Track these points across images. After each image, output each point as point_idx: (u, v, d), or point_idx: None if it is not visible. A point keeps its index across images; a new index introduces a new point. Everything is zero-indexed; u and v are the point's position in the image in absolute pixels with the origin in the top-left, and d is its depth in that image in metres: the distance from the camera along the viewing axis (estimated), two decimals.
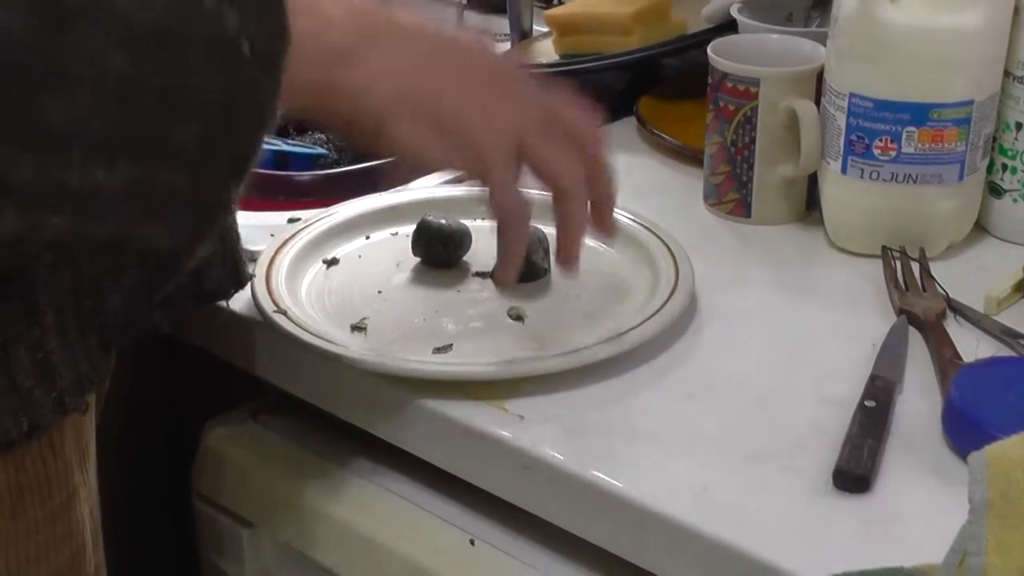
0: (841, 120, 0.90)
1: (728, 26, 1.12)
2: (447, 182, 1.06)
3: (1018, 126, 0.92)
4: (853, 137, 0.90)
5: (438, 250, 0.90)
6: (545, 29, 1.31)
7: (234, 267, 0.82)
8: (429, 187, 1.03)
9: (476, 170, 0.73)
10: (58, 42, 0.52)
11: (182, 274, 0.69)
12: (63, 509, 0.72)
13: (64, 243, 0.61)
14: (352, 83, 0.67)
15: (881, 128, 0.89)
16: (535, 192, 0.75)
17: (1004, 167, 0.94)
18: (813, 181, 0.97)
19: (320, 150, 1.34)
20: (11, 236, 0.56)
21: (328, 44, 0.66)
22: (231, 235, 0.81)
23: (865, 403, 0.74)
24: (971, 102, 0.88)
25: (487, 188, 0.73)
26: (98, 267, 0.69)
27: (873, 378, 0.77)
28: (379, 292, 0.88)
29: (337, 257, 0.92)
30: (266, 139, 0.61)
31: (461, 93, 0.71)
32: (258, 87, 0.58)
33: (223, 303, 0.85)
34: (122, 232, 0.60)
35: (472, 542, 0.78)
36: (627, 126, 1.17)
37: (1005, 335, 0.82)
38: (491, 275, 0.86)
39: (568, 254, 0.79)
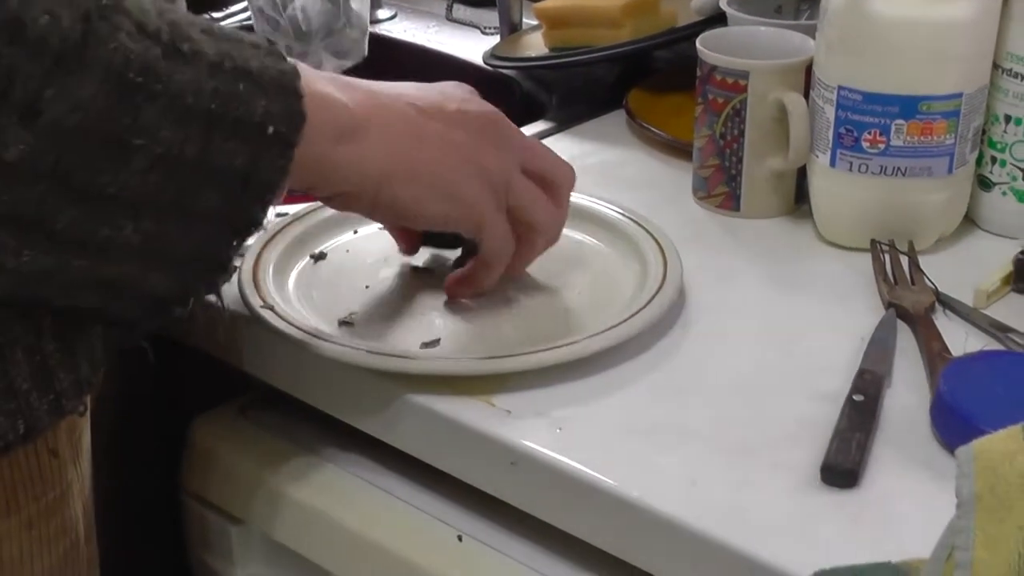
0: (830, 113, 0.90)
1: (718, 19, 1.11)
2: None
3: (1007, 119, 0.92)
4: (842, 130, 0.90)
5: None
6: (535, 22, 1.31)
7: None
8: None
9: (471, 222, 0.79)
10: (122, 111, 0.58)
11: (169, 318, 0.72)
12: (57, 505, 0.72)
13: (78, 280, 0.65)
14: (352, 155, 0.72)
15: (870, 121, 0.89)
16: None
17: (993, 160, 0.94)
18: (802, 174, 0.96)
19: None
20: (39, 274, 0.62)
21: (330, 122, 0.71)
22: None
23: (853, 397, 0.74)
24: (960, 95, 0.88)
25: (479, 236, 0.79)
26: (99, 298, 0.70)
27: (862, 372, 0.77)
28: (367, 287, 0.87)
29: (325, 251, 0.91)
30: (270, 208, 0.68)
31: (451, 152, 0.77)
32: (274, 164, 0.65)
33: (212, 297, 0.84)
34: (131, 276, 0.66)
35: (460, 538, 0.78)
36: (616, 119, 1.16)
37: (994, 328, 0.82)
38: (447, 275, 0.86)
39: (513, 274, 0.84)
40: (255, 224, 0.68)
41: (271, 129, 0.64)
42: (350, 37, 1.27)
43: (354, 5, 1.27)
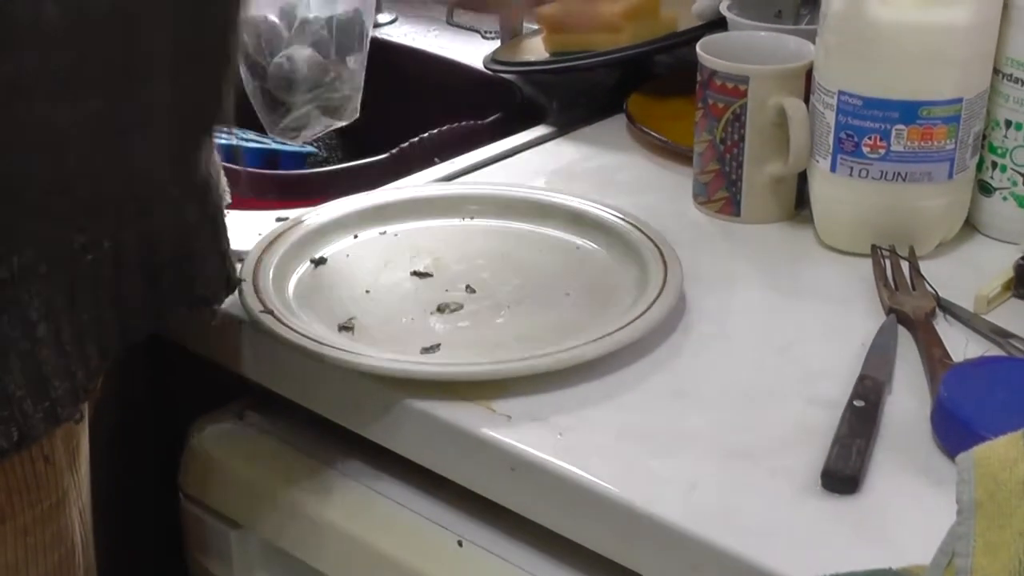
0: (830, 118, 0.90)
1: (718, 23, 1.11)
2: (436, 181, 1.06)
3: (1007, 124, 0.92)
4: (842, 135, 0.90)
5: None
6: (535, 27, 1.31)
7: (225, 272, 0.82)
8: (417, 187, 1.02)
9: None
10: None
11: (176, 190, 0.71)
12: (53, 511, 0.72)
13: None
14: None
15: (870, 126, 0.88)
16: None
17: (994, 165, 0.93)
18: (802, 179, 0.96)
19: (310, 148, 1.34)
20: None
21: None
22: (222, 241, 0.81)
23: (854, 403, 0.74)
24: (960, 100, 0.88)
25: None
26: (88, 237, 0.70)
27: (862, 378, 0.76)
28: (367, 292, 0.87)
29: (325, 256, 0.91)
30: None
31: None
32: None
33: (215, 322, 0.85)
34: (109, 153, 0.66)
35: (460, 543, 0.78)
36: (617, 123, 1.16)
37: (995, 334, 0.82)
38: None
39: None
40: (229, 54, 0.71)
41: None
42: (341, 93, 1.22)
43: (350, 63, 1.22)
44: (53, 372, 0.68)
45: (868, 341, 0.81)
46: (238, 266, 0.85)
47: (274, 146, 1.32)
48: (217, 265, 0.80)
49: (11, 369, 0.66)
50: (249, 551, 0.89)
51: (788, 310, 0.86)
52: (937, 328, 0.82)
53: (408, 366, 0.77)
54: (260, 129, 1.33)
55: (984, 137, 0.93)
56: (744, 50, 0.98)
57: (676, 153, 1.07)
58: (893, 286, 0.87)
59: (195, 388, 0.96)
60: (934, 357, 0.78)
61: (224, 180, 0.84)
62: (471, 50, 1.38)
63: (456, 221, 0.96)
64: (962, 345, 0.80)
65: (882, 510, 0.67)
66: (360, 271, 0.90)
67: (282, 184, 1.10)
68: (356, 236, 0.94)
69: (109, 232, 0.71)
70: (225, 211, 0.82)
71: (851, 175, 0.90)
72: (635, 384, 0.78)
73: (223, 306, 0.85)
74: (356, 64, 1.23)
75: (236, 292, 0.84)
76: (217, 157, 0.82)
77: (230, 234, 0.82)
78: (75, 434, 0.74)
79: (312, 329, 0.81)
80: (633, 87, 1.20)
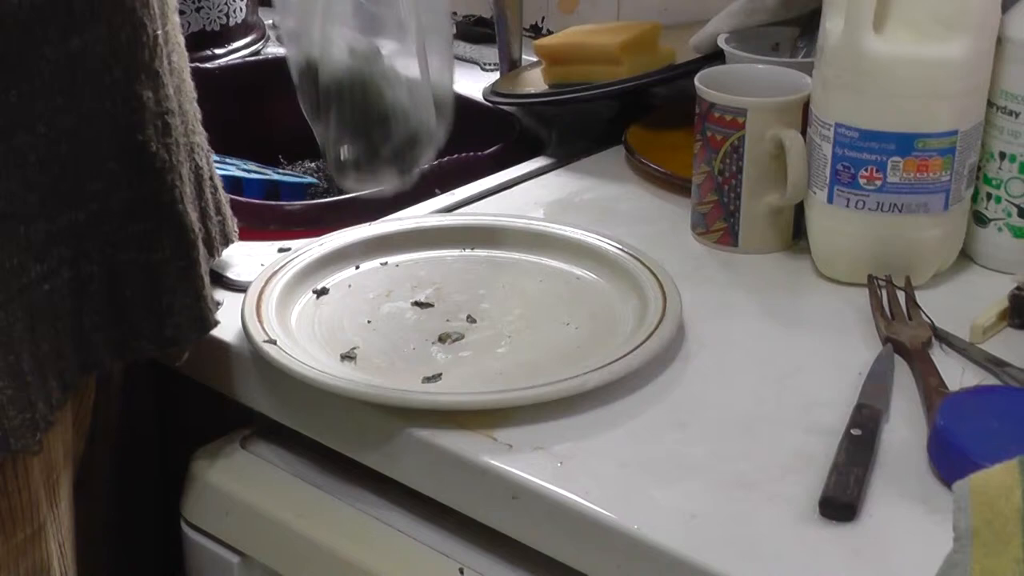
0: (827, 150, 0.91)
1: (715, 56, 1.12)
2: (436, 212, 1.06)
3: (1002, 155, 0.93)
4: (839, 167, 0.91)
5: None
6: (534, 59, 1.32)
7: (198, 313, 0.82)
8: (418, 218, 1.03)
9: None
10: None
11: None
12: (29, 544, 0.72)
13: None
14: None
15: (867, 158, 0.89)
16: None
17: (988, 196, 0.94)
18: (800, 210, 0.97)
19: (310, 179, 1.35)
20: None
21: None
22: (197, 281, 0.81)
23: (851, 431, 0.74)
24: (956, 132, 0.89)
25: None
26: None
27: (859, 406, 0.77)
28: (368, 322, 0.88)
29: (327, 287, 0.92)
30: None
31: None
32: None
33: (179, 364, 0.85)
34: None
35: (461, 571, 0.78)
36: (616, 155, 1.17)
37: (990, 363, 0.83)
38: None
39: None
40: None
41: None
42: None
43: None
44: (8, 402, 0.68)
45: (865, 370, 0.82)
46: (222, 300, 0.85)
47: (275, 177, 1.33)
48: (189, 305, 0.80)
49: None
50: None
51: (786, 340, 0.87)
52: (933, 357, 0.83)
53: (410, 395, 0.78)
54: (261, 160, 1.34)
55: (979, 169, 0.94)
56: (742, 83, 0.99)
57: (675, 184, 1.08)
58: (890, 316, 0.88)
59: (198, 417, 0.96)
60: (930, 386, 0.79)
61: (231, 220, 0.84)
62: (471, 82, 1.39)
63: (457, 252, 0.97)
64: (958, 374, 0.81)
65: (880, 537, 0.68)
66: (362, 301, 0.91)
67: (284, 215, 1.10)
68: (358, 267, 0.95)
69: (67, 262, 0.71)
70: (206, 253, 0.82)
71: (848, 206, 0.91)
72: (635, 413, 0.79)
73: (227, 337, 0.86)
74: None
75: (240, 323, 0.84)
76: (218, 196, 0.83)
77: (231, 261, 0.82)
78: (55, 466, 0.73)
79: (314, 359, 0.82)
80: (632, 119, 1.21)
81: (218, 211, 0.87)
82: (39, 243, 0.69)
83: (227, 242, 0.89)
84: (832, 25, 0.90)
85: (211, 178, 0.86)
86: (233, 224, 0.89)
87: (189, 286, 0.80)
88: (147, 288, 0.77)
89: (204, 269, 0.81)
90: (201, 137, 0.84)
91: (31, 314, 0.69)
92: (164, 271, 0.78)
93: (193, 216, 0.80)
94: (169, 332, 0.80)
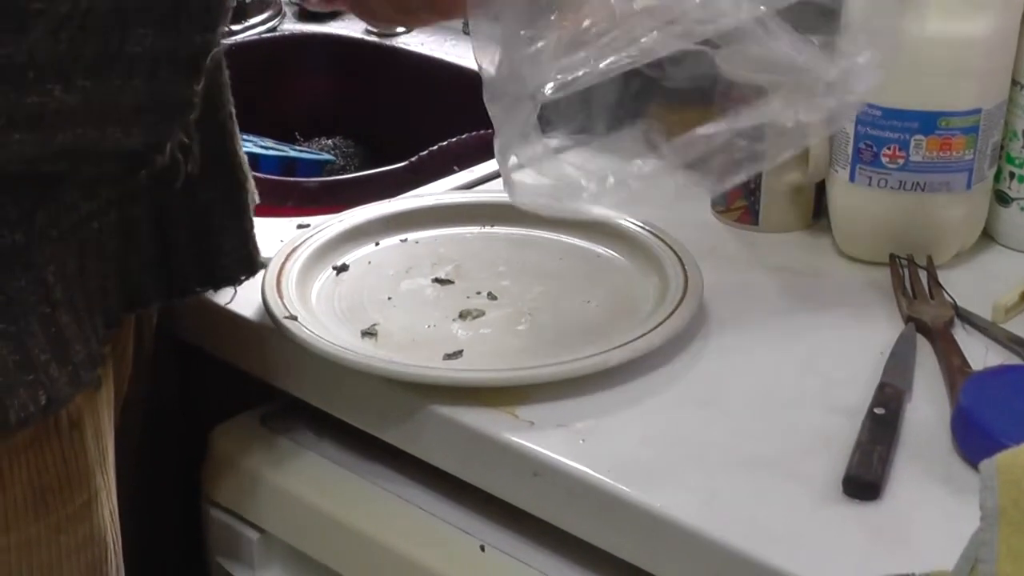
0: (849, 128, 0.91)
1: None
2: (456, 189, 1.06)
3: None
4: (861, 145, 0.90)
5: None
6: None
7: (246, 252, 0.82)
8: (438, 195, 1.03)
9: None
10: None
11: (154, 167, 0.70)
12: (85, 511, 0.72)
13: (33, 154, 0.63)
14: None
15: (889, 136, 0.89)
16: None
17: (1011, 175, 0.94)
18: (821, 189, 0.97)
19: (327, 156, 1.35)
20: None
21: None
22: (245, 220, 0.81)
23: (874, 410, 0.74)
24: (979, 111, 0.88)
25: None
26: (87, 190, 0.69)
27: (882, 385, 0.77)
28: (389, 298, 0.88)
29: (347, 263, 0.92)
30: (220, 31, 0.67)
31: None
32: None
33: (229, 302, 0.85)
34: (88, 137, 0.64)
35: (483, 548, 0.78)
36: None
37: (1013, 343, 0.82)
38: None
39: None
40: (204, 51, 0.66)
41: None
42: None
43: None
44: (73, 336, 0.68)
45: (887, 350, 0.81)
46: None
47: (292, 154, 1.33)
48: (238, 244, 0.81)
49: (34, 332, 0.66)
50: (272, 555, 0.90)
51: (807, 319, 0.87)
52: (956, 337, 0.82)
53: (431, 372, 0.78)
54: (277, 137, 1.34)
55: (1002, 148, 0.93)
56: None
57: None
58: (911, 295, 0.88)
59: (219, 393, 0.96)
60: (953, 366, 0.79)
61: (249, 176, 0.84)
62: None
63: (476, 229, 0.97)
64: (981, 354, 0.81)
65: (903, 516, 0.68)
66: (382, 278, 0.91)
67: (301, 192, 1.10)
68: (377, 243, 0.95)
69: (115, 202, 0.71)
70: (252, 194, 0.82)
71: (870, 185, 0.91)
72: (656, 391, 0.79)
73: (248, 312, 0.86)
74: None
75: (261, 298, 0.84)
76: (242, 151, 0.83)
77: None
78: (103, 433, 0.74)
79: (335, 335, 0.82)
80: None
81: None
82: (90, 181, 0.69)
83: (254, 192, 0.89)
84: (856, 2, 0.89)
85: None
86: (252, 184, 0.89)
87: (238, 224, 0.80)
88: (195, 227, 0.77)
89: (252, 211, 0.82)
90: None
91: (82, 252, 0.70)
92: (212, 210, 0.78)
93: (242, 156, 0.80)
94: (218, 273, 0.80)
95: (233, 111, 0.80)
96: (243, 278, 0.83)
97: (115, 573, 0.76)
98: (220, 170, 0.79)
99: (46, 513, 0.70)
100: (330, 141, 1.39)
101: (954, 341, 0.82)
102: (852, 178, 0.92)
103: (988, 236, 0.96)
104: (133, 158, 0.69)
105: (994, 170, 0.93)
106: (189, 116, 0.69)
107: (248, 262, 0.83)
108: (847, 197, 0.93)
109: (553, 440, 0.74)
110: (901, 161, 0.89)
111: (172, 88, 0.66)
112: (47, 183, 0.67)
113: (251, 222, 0.82)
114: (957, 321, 0.85)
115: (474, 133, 1.19)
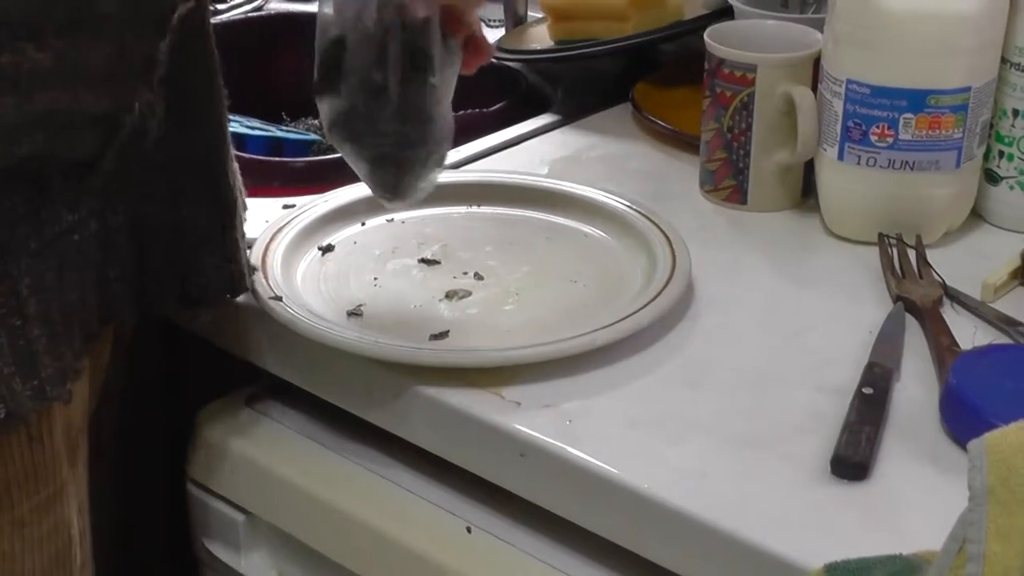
0: (838, 106, 0.90)
1: (725, 12, 1.11)
2: None
3: (1015, 113, 0.92)
4: (850, 123, 0.90)
5: None
6: (540, 15, 1.31)
7: (227, 275, 0.81)
8: None
9: None
10: None
11: (125, 133, 0.70)
12: (50, 503, 0.72)
13: (11, 123, 0.64)
14: None
15: (878, 114, 0.89)
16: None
17: (1001, 154, 0.94)
18: (810, 168, 0.97)
19: (314, 136, 1.34)
20: None
21: None
22: (228, 244, 0.80)
23: (863, 390, 0.74)
24: (968, 89, 0.88)
25: None
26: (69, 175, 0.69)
27: (871, 365, 0.77)
28: (375, 279, 0.87)
29: (332, 243, 0.91)
30: None
31: None
32: None
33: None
34: (61, 101, 0.65)
35: (469, 529, 0.78)
36: (623, 112, 1.16)
37: (1002, 322, 0.82)
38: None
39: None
40: (170, 9, 0.68)
41: None
42: None
43: None
44: (43, 349, 0.68)
45: (876, 329, 0.81)
46: (257, 265, 0.84)
47: (279, 134, 1.32)
48: (221, 261, 0.80)
49: (1, 345, 0.66)
50: (257, 537, 0.89)
51: (796, 298, 0.86)
52: (944, 316, 0.82)
53: (417, 352, 0.77)
54: (264, 117, 1.33)
55: (991, 126, 0.93)
56: (752, 39, 0.98)
57: (683, 142, 1.07)
58: (900, 274, 0.87)
59: (204, 375, 0.96)
60: (942, 345, 0.78)
61: (241, 190, 0.83)
62: None
63: (463, 209, 0.97)
64: (969, 333, 0.81)
65: (892, 496, 0.67)
66: (368, 258, 0.90)
67: (288, 172, 1.09)
68: (363, 224, 0.94)
69: (96, 213, 0.71)
70: (242, 215, 0.81)
71: (859, 164, 0.90)
72: (644, 371, 0.78)
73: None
74: None
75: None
76: (234, 165, 0.82)
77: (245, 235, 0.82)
78: (74, 426, 0.73)
79: (321, 315, 0.81)
80: (639, 76, 1.20)
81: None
82: (72, 193, 0.69)
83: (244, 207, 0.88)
84: None
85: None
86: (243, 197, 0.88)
87: (220, 249, 0.79)
88: (173, 245, 0.77)
89: (240, 232, 0.81)
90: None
91: (61, 263, 0.69)
92: (191, 231, 0.77)
93: (231, 176, 0.80)
94: (194, 291, 0.79)
95: (227, 123, 0.79)
96: (220, 300, 0.82)
97: (80, 565, 0.75)
98: (205, 183, 0.78)
99: (11, 506, 0.69)
100: (316, 121, 1.38)
101: (943, 320, 0.81)
102: (841, 157, 0.91)
103: (977, 215, 0.96)
104: (106, 122, 0.68)
105: (983, 149, 0.93)
106: (156, 75, 0.69)
107: (231, 281, 0.81)
108: (836, 176, 0.93)
109: (540, 421, 0.74)
110: (890, 140, 0.89)
111: (139, 47, 0.67)
112: (30, 194, 0.66)
113: (239, 240, 0.81)
114: (946, 300, 0.85)
115: (461, 113, 1.18)
